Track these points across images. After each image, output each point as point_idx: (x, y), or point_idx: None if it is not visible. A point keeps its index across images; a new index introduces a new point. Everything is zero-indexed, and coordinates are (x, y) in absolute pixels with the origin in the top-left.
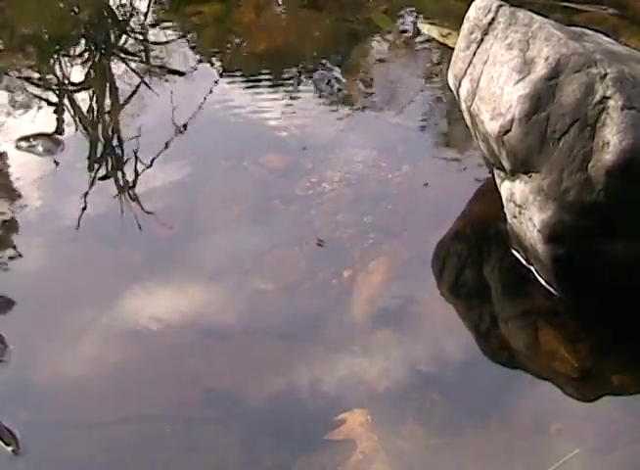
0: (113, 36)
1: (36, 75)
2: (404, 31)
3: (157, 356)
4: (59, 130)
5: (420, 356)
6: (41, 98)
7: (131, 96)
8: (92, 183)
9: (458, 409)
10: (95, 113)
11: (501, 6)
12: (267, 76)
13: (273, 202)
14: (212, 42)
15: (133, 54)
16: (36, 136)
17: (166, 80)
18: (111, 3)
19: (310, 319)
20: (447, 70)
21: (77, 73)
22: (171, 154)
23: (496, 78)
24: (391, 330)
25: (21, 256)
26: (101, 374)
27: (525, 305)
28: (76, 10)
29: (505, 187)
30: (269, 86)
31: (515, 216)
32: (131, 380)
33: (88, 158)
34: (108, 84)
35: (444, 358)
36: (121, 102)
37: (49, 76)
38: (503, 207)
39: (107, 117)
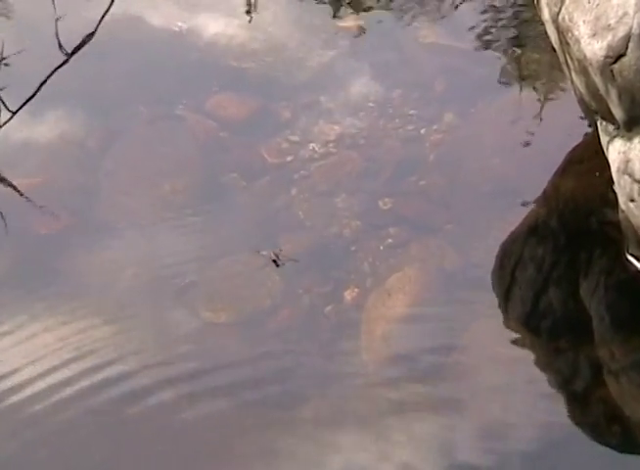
0: None
1: None
2: None
3: (37, 437)
4: None
5: (470, 439)
6: None
7: None
8: None
9: None
10: None
11: None
12: None
13: (227, 176)
14: None
15: None
16: None
17: None
18: None
19: (287, 376)
20: None
21: None
22: (56, 94)
23: None
24: (421, 395)
25: None
26: None
27: None
28: None
29: (615, 150)
30: None
31: (632, 200)
32: None
33: None
34: None
35: (512, 438)
36: None
37: None
38: (612, 182)
39: None
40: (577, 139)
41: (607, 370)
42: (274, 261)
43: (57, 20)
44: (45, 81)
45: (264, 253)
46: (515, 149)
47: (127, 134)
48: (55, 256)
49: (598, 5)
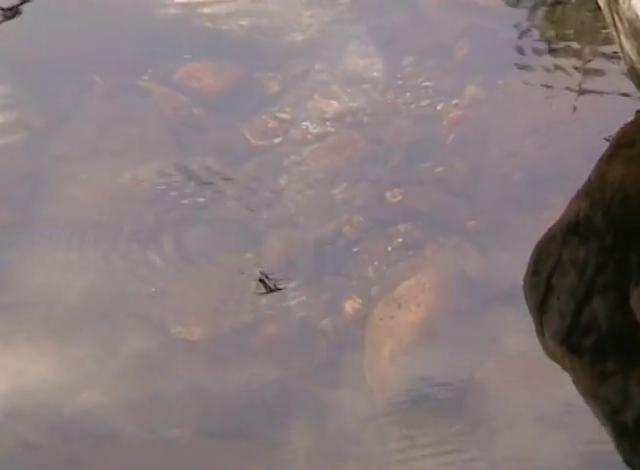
0: None
1: None
2: None
3: None
4: None
5: None
6: None
7: None
8: None
9: None
10: None
11: None
12: None
13: (202, 161)
14: None
15: None
16: None
17: None
18: None
19: (274, 405)
20: None
21: None
22: None
23: None
24: (437, 429)
25: None
26: None
27: None
28: None
29: None
30: None
31: None
32: None
33: None
34: None
35: None
36: None
37: None
38: None
39: None
40: (627, 117)
41: None
42: (262, 282)
43: None
44: None
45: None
46: (551, 129)
47: (80, 111)
48: None
49: None
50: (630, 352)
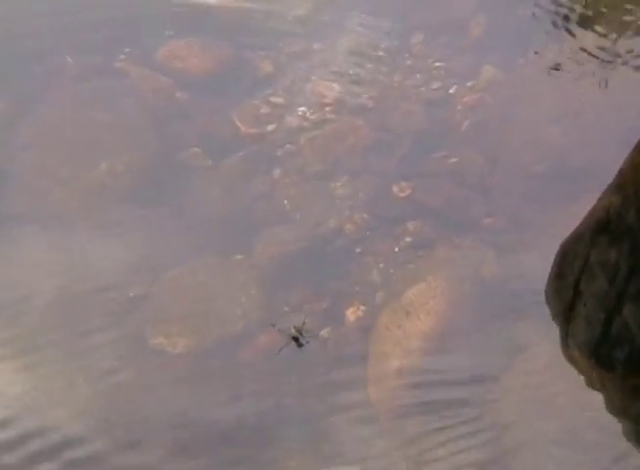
0: None
1: None
2: None
3: None
4: None
5: None
6: None
7: None
8: None
9: None
10: None
11: None
12: None
13: (186, 151)
14: None
15: None
16: None
17: None
18: None
19: (267, 426)
20: None
21: None
22: None
23: None
24: (449, 450)
25: None
26: None
27: None
28: None
29: None
30: None
31: None
32: None
33: None
34: None
35: None
36: None
37: None
38: None
39: None
40: None
41: None
42: (295, 339)
43: None
44: None
45: (278, 327)
46: (578, 114)
47: (49, 95)
48: None
49: None
50: None
